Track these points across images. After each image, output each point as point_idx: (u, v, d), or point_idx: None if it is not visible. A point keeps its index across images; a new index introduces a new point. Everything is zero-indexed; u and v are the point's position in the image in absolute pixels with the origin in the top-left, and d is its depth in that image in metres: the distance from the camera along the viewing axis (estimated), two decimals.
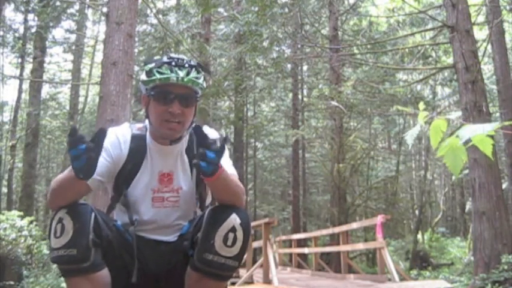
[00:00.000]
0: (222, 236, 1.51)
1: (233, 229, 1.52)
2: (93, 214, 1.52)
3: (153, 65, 1.66)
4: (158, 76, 1.63)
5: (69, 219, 1.48)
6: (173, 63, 1.64)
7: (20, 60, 13.50)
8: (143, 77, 1.70)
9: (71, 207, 1.51)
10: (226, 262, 1.52)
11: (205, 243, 1.52)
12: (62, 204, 1.54)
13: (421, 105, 1.12)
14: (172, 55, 1.69)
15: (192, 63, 1.68)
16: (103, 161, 1.66)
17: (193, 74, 1.66)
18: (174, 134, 1.70)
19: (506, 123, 1.08)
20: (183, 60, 1.67)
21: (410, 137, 1.15)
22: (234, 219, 1.53)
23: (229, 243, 1.51)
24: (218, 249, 1.50)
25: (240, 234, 1.52)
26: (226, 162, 1.73)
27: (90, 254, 1.47)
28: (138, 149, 1.74)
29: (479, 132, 0.97)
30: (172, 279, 1.71)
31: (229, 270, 1.55)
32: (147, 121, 1.77)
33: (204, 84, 1.73)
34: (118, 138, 1.74)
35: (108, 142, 1.70)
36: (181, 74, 1.63)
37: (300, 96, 17.22)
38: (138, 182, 1.73)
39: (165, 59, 1.67)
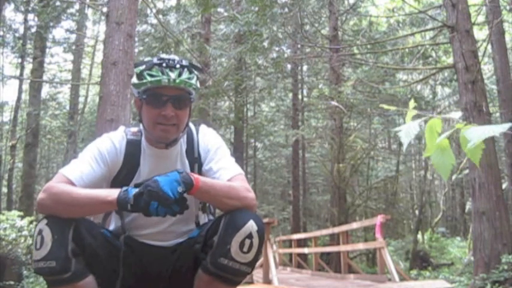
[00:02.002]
0: (239, 241, 1.48)
1: (250, 236, 1.49)
2: (73, 224, 1.50)
3: (143, 67, 1.62)
4: (149, 79, 1.59)
5: (48, 231, 1.45)
6: (164, 65, 1.59)
7: (20, 60, 13.46)
8: (134, 80, 1.67)
9: (50, 218, 1.49)
10: (241, 268, 1.50)
11: (221, 248, 1.50)
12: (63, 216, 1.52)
13: (412, 103, 0.99)
14: (163, 56, 1.64)
15: (184, 63, 1.63)
16: (98, 170, 1.64)
17: (185, 74, 1.61)
18: (168, 137, 1.66)
19: None
20: (174, 60, 1.62)
21: (406, 135, 0.95)
22: (252, 225, 1.50)
23: (245, 249, 1.49)
24: (234, 254, 1.48)
25: (256, 241, 1.50)
26: (229, 162, 1.73)
27: (70, 264, 1.45)
28: (133, 154, 1.72)
29: (488, 134, 0.88)
30: (176, 281, 1.69)
31: (242, 276, 1.54)
32: (141, 125, 1.75)
33: (198, 84, 1.69)
34: (114, 144, 1.72)
35: (104, 148, 1.69)
36: (173, 75, 1.59)
37: (300, 96, 17.22)
38: None
39: (155, 60, 1.62)
